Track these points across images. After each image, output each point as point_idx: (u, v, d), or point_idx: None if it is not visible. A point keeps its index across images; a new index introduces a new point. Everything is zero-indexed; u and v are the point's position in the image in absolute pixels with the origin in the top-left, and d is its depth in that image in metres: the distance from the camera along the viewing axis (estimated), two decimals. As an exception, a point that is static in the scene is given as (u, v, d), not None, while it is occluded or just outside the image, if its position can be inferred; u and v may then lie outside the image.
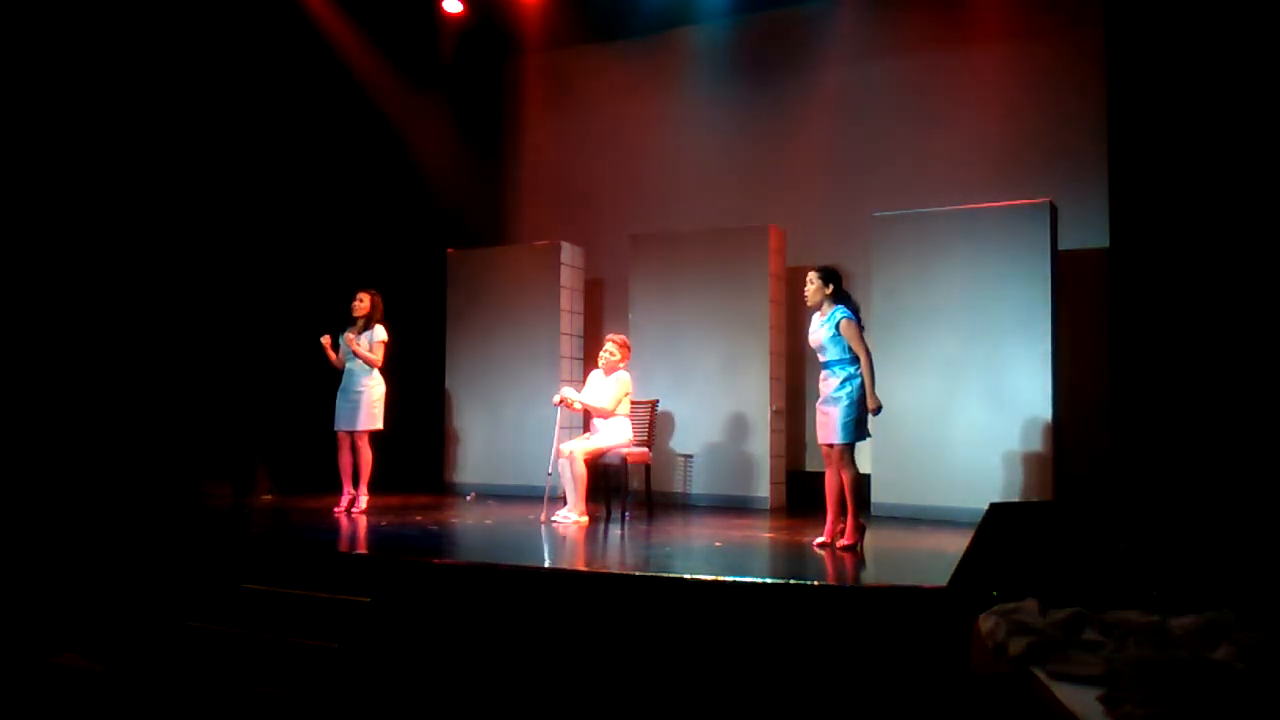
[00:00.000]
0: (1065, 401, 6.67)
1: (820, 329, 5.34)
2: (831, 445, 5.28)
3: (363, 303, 6.86)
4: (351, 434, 6.86)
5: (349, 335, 6.83)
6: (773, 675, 3.97)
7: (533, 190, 9.73)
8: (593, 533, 6.13)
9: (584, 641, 4.31)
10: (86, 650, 5.46)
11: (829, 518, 5.41)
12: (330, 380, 6.96)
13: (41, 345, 6.60)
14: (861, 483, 5.51)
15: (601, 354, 6.79)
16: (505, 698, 4.37)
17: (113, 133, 6.94)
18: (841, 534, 5.35)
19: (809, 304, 5.41)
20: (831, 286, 5.36)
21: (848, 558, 5.13)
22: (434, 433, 8.77)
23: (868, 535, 5.52)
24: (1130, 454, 5.20)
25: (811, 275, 5.39)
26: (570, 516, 6.43)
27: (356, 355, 6.80)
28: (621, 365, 6.77)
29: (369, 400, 6.81)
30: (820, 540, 5.41)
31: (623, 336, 6.97)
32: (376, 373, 6.85)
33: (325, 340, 6.89)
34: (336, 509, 6.82)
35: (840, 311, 5.29)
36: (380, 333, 6.84)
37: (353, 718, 4.43)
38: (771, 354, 7.65)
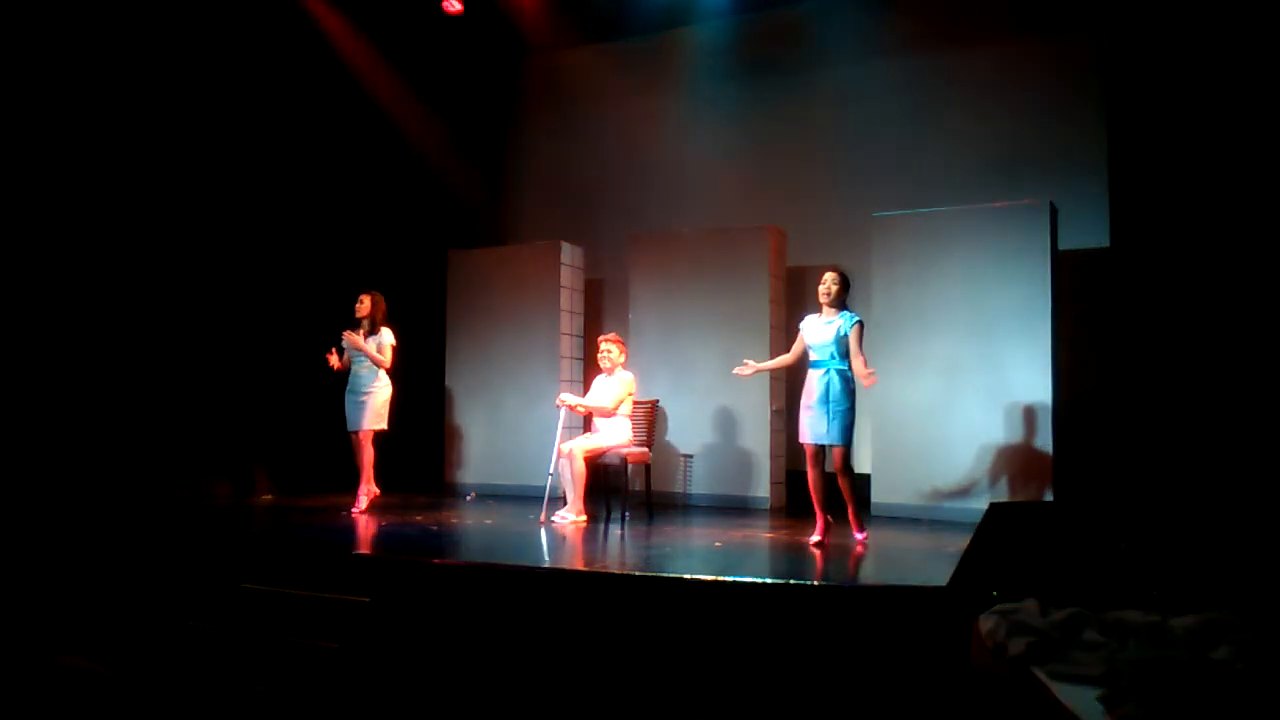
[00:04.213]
0: (1065, 401, 6.67)
1: (826, 328, 5.43)
2: (831, 446, 5.40)
3: (364, 304, 6.86)
4: (355, 433, 6.88)
5: (349, 333, 6.81)
6: (772, 675, 3.97)
7: (533, 190, 9.73)
8: (593, 533, 6.13)
9: (584, 641, 4.31)
10: (86, 651, 5.46)
11: (821, 516, 5.53)
12: (331, 380, 6.96)
13: (42, 344, 6.60)
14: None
15: (599, 358, 6.79)
16: (505, 698, 4.37)
17: (116, 133, 6.93)
18: (829, 529, 5.55)
19: (826, 302, 5.46)
20: (845, 290, 5.52)
21: (859, 551, 5.25)
22: (434, 433, 8.77)
23: (867, 535, 5.66)
24: (1130, 454, 5.19)
25: (834, 276, 5.48)
26: (570, 516, 6.42)
27: (361, 351, 6.77)
28: (622, 364, 6.77)
29: (375, 402, 6.82)
30: (816, 539, 5.46)
31: (613, 334, 6.96)
32: (383, 374, 6.85)
33: (332, 361, 6.82)
34: (354, 509, 6.83)
35: (851, 317, 5.45)
36: (388, 336, 6.84)
37: (353, 718, 4.43)
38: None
